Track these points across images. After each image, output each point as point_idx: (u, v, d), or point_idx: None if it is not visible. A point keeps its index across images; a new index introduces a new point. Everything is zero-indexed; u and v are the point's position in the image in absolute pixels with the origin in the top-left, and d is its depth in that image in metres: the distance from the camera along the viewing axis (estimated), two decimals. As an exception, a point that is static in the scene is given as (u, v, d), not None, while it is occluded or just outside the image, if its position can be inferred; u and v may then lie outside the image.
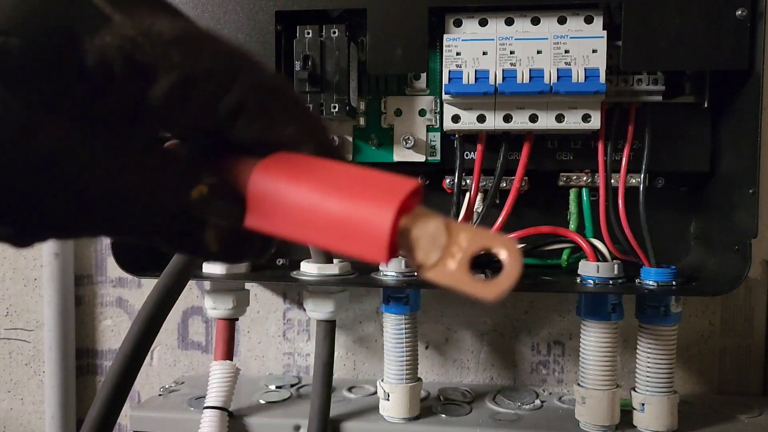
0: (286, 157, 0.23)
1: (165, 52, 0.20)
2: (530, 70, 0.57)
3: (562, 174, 0.65)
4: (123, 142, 0.21)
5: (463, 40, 0.58)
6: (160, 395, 0.73)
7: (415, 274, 0.63)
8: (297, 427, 0.66)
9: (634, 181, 0.63)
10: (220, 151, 0.23)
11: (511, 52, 0.57)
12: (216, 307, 0.67)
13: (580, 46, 0.56)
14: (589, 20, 0.58)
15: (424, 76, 0.64)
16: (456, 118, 0.60)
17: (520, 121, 0.59)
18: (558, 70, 0.56)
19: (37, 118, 0.19)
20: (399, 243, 0.21)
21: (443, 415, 0.66)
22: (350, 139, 0.65)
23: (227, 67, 0.22)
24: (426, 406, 0.68)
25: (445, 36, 0.58)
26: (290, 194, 0.21)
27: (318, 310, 0.66)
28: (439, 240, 0.21)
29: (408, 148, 0.64)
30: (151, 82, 0.21)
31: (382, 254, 0.20)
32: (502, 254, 0.20)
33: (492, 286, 0.20)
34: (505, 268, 0.20)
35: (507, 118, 0.59)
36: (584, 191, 0.65)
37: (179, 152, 0.23)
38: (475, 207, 0.64)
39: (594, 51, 0.56)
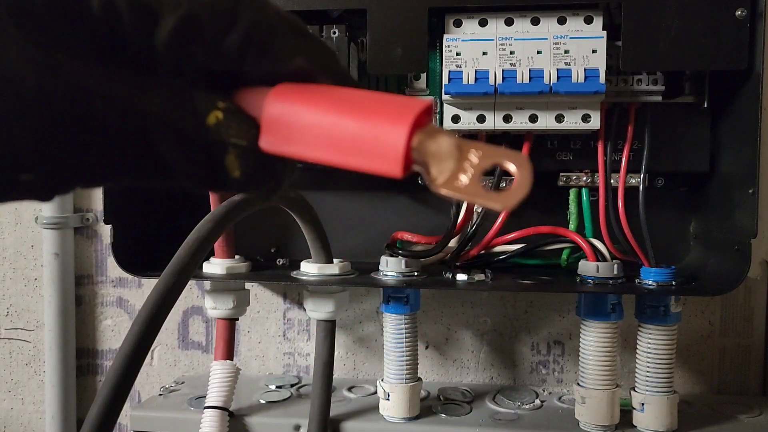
0: (299, 83, 0.23)
1: None
2: (530, 70, 0.57)
3: (561, 174, 0.65)
4: (137, 77, 0.21)
5: (462, 41, 0.58)
6: (160, 395, 0.73)
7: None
8: (297, 427, 0.66)
9: (633, 181, 0.63)
10: (234, 84, 0.24)
11: (511, 53, 0.57)
12: (216, 307, 0.67)
13: (579, 47, 0.57)
14: (588, 20, 0.58)
15: (423, 76, 0.64)
16: (456, 119, 0.60)
17: (520, 121, 0.59)
18: (558, 70, 0.56)
19: (54, 59, 0.20)
20: (413, 158, 0.21)
21: (443, 415, 0.67)
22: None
23: (229, 4, 0.22)
24: (426, 406, 0.68)
25: (445, 36, 0.58)
26: (305, 114, 0.22)
27: (318, 310, 0.66)
28: (452, 156, 0.21)
29: (408, 148, 0.64)
30: (155, 22, 0.21)
31: (397, 168, 0.21)
32: (512, 168, 0.21)
33: (504, 196, 0.21)
34: (516, 181, 0.21)
35: (507, 119, 0.59)
36: (584, 191, 0.65)
37: (193, 84, 0.23)
38: (475, 207, 0.64)
39: (594, 51, 0.56)
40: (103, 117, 0.20)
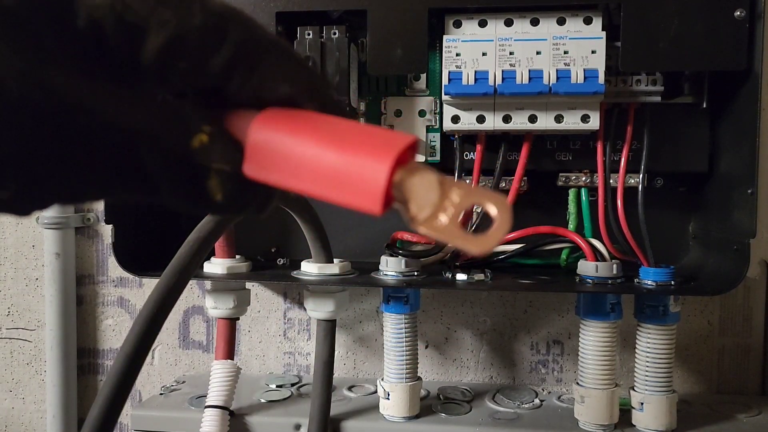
0: (285, 110, 0.23)
1: (154, 11, 0.21)
2: (529, 70, 0.57)
3: (561, 174, 0.65)
4: (123, 91, 0.21)
5: (462, 41, 0.58)
6: (161, 394, 0.73)
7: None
8: (297, 426, 0.66)
9: (633, 181, 0.63)
10: (220, 106, 0.24)
11: (511, 53, 0.57)
12: (217, 307, 0.68)
13: (579, 47, 0.57)
14: (588, 21, 0.58)
15: (423, 76, 0.64)
16: (455, 119, 0.60)
17: (520, 122, 0.59)
18: (557, 70, 0.57)
19: (37, 70, 0.19)
20: (393, 195, 0.21)
21: (443, 414, 0.67)
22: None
23: (217, 25, 0.22)
24: (426, 405, 0.68)
25: (445, 37, 0.58)
26: (288, 144, 0.22)
27: (318, 309, 0.66)
28: (432, 194, 0.21)
29: (408, 149, 0.64)
30: (142, 40, 0.21)
31: (376, 205, 0.21)
32: (492, 210, 0.21)
33: (482, 240, 0.21)
34: (494, 223, 0.21)
35: (506, 119, 0.59)
36: (583, 191, 0.65)
37: (179, 103, 0.23)
38: (475, 207, 0.64)
39: (593, 52, 0.57)
40: (85, 131, 0.20)
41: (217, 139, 0.22)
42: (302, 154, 0.21)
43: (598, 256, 0.62)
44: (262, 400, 0.71)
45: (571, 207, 0.66)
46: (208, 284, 0.70)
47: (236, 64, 0.22)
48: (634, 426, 0.63)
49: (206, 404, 0.64)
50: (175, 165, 0.22)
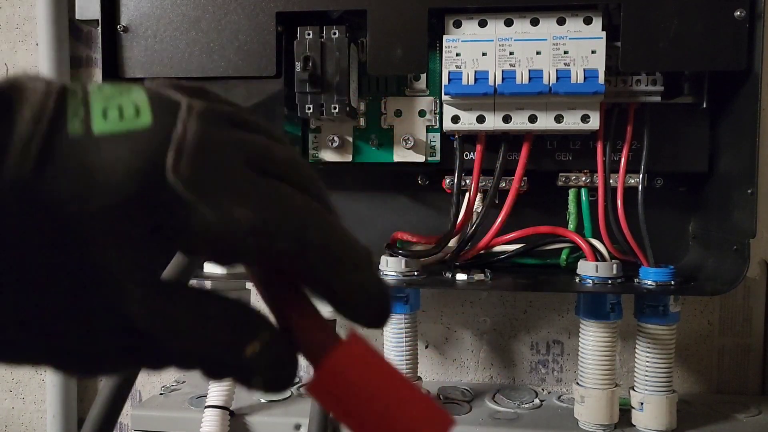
0: (360, 350, 0.25)
1: (243, 239, 0.21)
2: (529, 70, 0.57)
3: (561, 174, 0.65)
4: (181, 289, 0.22)
5: (462, 41, 0.58)
6: (161, 394, 0.73)
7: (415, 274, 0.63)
8: (297, 426, 0.66)
9: (632, 181, 0.63)
10: (287, 290, 0.25)
11: (511, 53, 0.57)
12: (217, 307, 0.68)
13: (579, 47, 0.57)
14: (588, 21, 0.58)
15: (423, 76, 0.64)
16: (455, 119, 0.60)
17: (520, 122, 0.59)
18: (557, 70, 0.57)
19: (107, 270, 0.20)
20: None
21: (443, 414, 0.67)
22: (350, 139, 0.65)
23: (299, 244, 0.23)
24: (426, 405, 0.68)
25: (445, 37, 0.58)
26: (354, 396, 0.23)
27: (319, 309, 0.66)
28: None
29: (408, 149, 0.64)
30: (230, 260, 0.22)
31: None
32: None
33: None
34: None
35: (506, 119, 0.59)
36: (583, 191, 0.65)
37: (239, 303, 0.23)
38: (475, 207, 0.64)
39: (593, 52, 0.57)
40: (135, 325, 0.21)
41: (271, 350, 0.23)
42: (362, 414, 0.23)
43: (598, 256, 0.62)
44: (262, 400, 0.71)
45: (571, 207, 0.66)
46: (208, 284, 0.69)
47: (310, 272, 0.24)
48: (634, 426, 0.63)
49: (206, 404, 0.64)
50: (223, 364, 0.22)
